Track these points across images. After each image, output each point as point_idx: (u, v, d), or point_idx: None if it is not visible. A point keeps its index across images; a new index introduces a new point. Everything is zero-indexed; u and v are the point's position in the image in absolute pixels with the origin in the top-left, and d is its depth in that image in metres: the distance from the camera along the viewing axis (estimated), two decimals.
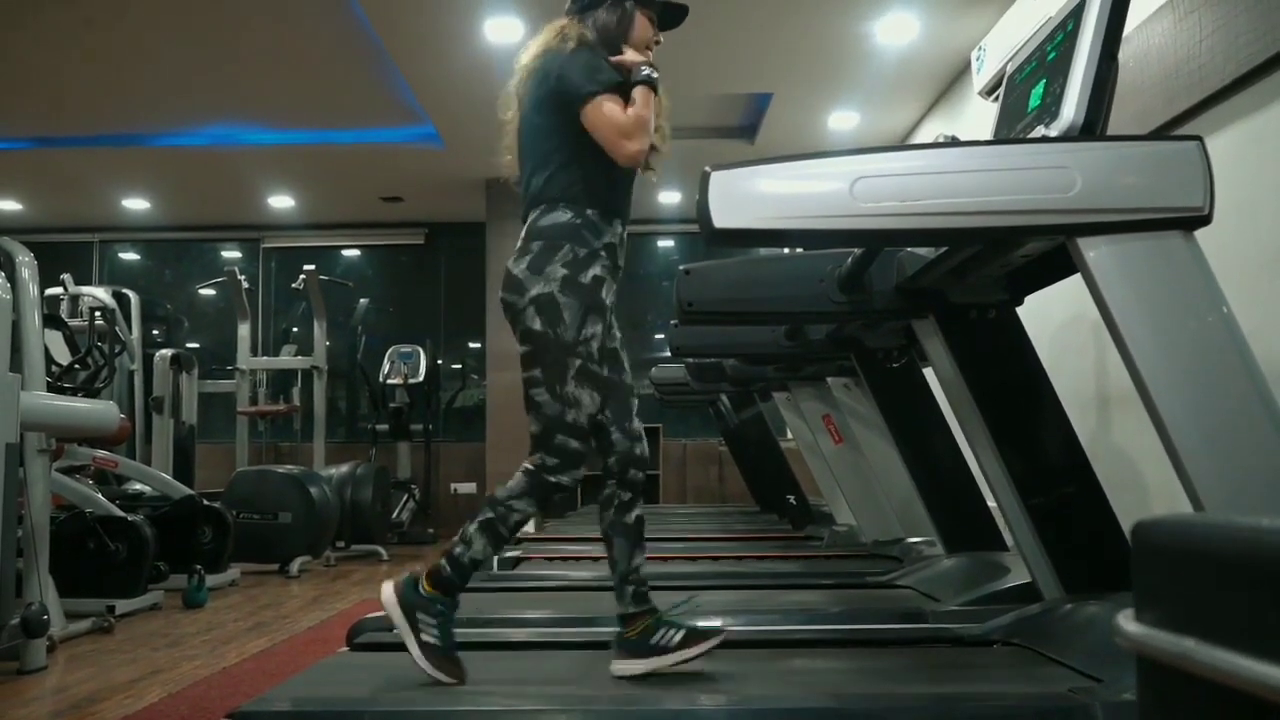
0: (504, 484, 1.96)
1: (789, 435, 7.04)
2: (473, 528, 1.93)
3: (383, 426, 7.88)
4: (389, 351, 7.89)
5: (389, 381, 7.76)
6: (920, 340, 2.33)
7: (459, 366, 9.29)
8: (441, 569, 1.91)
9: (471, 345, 9.21)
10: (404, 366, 7.78)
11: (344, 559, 6.37)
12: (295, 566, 5.60)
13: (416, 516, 7.83)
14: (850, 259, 2.14)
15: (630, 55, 1.98)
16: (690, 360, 4.09)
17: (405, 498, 7.76)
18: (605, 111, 1.88)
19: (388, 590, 1.90)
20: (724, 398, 5.91)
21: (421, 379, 7.80)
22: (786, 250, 2.37)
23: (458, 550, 1.92)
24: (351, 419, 9.16)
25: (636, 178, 2.03)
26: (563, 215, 1.95)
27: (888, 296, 2.20)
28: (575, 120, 1.91)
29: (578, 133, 1.92)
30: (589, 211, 1.95)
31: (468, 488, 8.25)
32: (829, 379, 3.84)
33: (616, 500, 2.01)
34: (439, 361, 8.86)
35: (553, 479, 1.94)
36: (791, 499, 5.22)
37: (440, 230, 8.87)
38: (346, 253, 9.37)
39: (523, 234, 1.99)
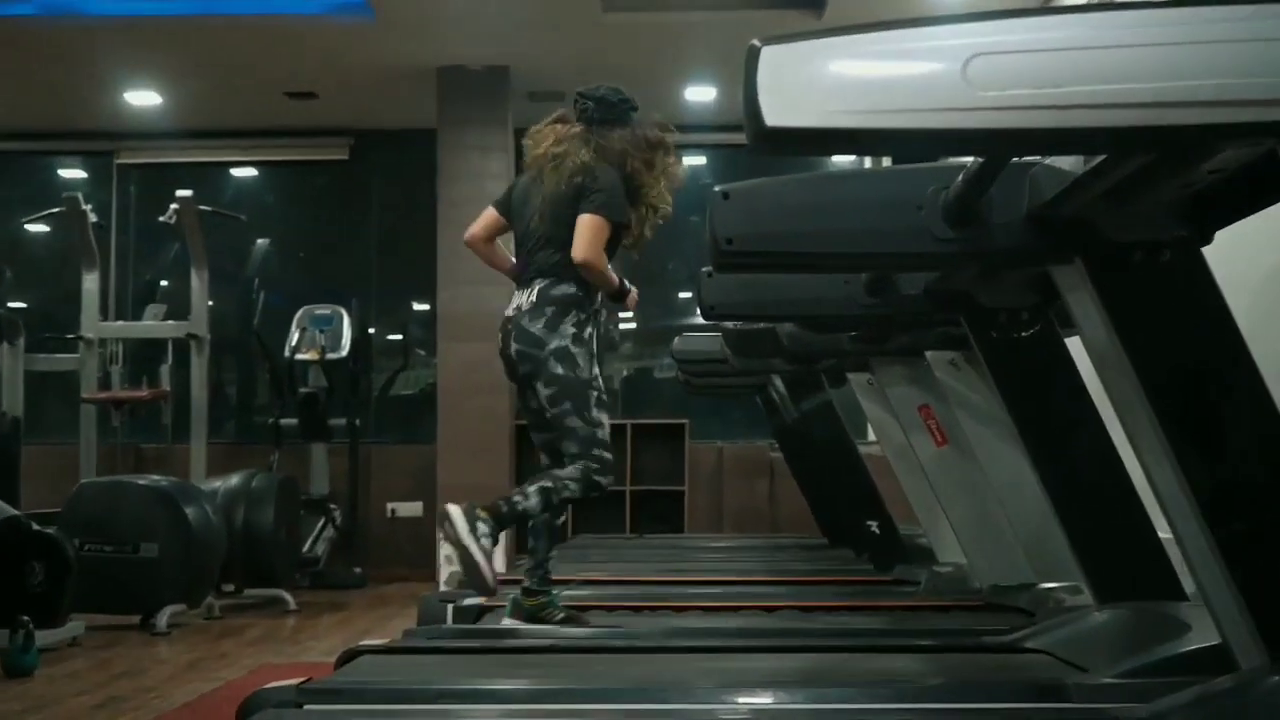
0: (558, 470, 3.60)
1: (870, 435, 7.01)
2: (531, 486, 3.51)
3: (289, 421, 7.93)
4: (299, 315, 7.93)
5: (299, 357, 7.81)
6: (1062, 295, 2.30)
7: (398, 337, 9.32)
8: (499, 505, 3.46)
9: (417, 306, 9.24)
10: (320, 336, 7.82)
11: (233, 608, 6.43)
12: (164, 619, 5.64)
13: (338, 549, 7.91)
14: (961, 176, 2.11)
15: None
16: (729, 325, 4.06)
17: (322, 523, 7.81)
18: (596, 230, 3.63)
19: (454, 509, 3.44)
20: (777, 381, 5.90)
21: (345, 354, 7.84)
22: (868, 163, 2.36)
23: (515, 497, 3.49)
24: (245, 410, 9.21)
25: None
26: (569, 288, 3.68)
27: (1015, 231, 2.17)
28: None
29: None
30: (585, 287, 3.69)
31: (411, 509, 8.31)
32: (928, 353, 3.82)
33: (560, 508, 3.67)
34: (370, 330, 8.89)
35: (595, 478, 3.59)
36: (873, 526, 5.22)
37: (371, 141, 8.89)
38: (238, 173, 9.39)
39: (534, 296, 3.69)
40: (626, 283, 3.78)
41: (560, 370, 3.62)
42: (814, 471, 6.42)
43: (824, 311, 3.15)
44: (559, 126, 3.77)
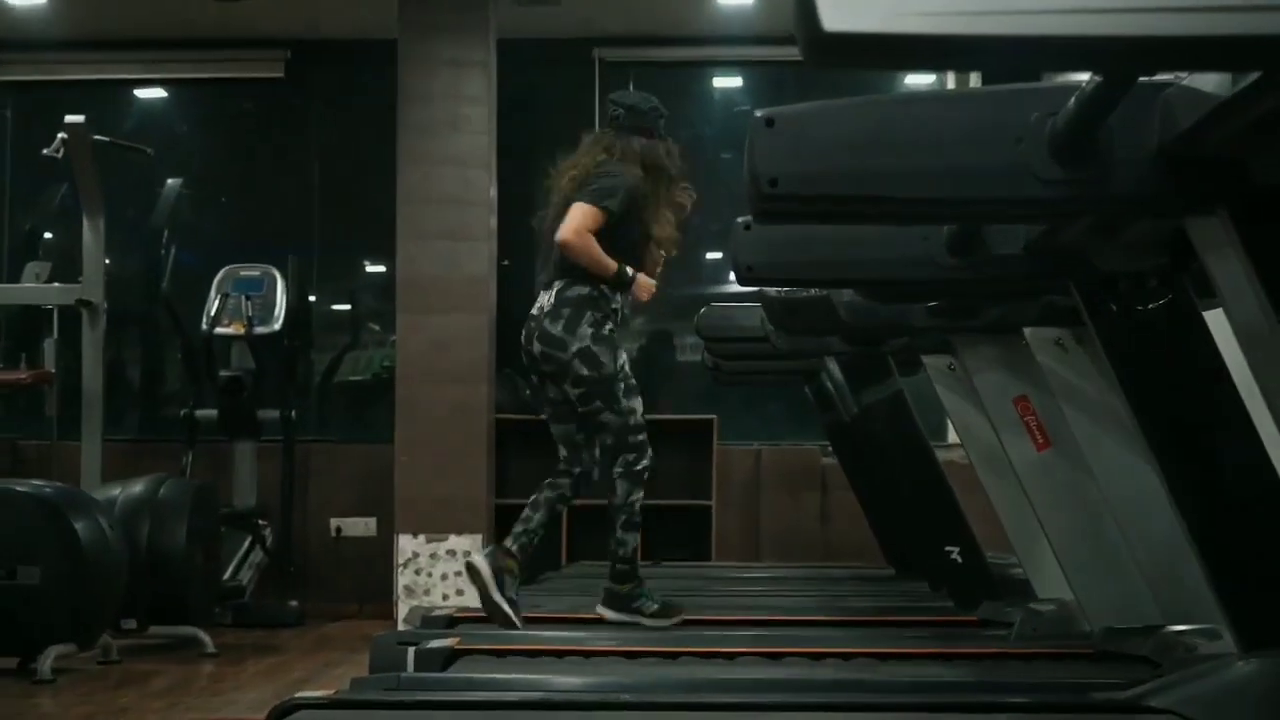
0: (612, 494, 4.76)
1: (950, 436, 6.99)
2: (618, 530, 4.73)
3: (207, 413, 7.95)
4: (220, 276, 7.96)
5: (219, 331, 7.83)
6: (1201, 257, 2.29)
7: (346, 307, 9.32)
8: (615, 569, 4.74)
9: (370, 268, 9.24)
10: (247, 305, 7.85)
11: (136, 650, 6.45)
12: (48, 663, 5.65)
13: (268, 577, 7.96)
14: (1074, 100, 2.10)
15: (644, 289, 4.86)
16: (771, 293, 4.06)
17: (248, 543, 7.84)
18: (581, 214, 4.68)
19: (480, 561, 4.56)
20: (832, 365, 5.90)
21: (278, 327, 7.85)
22: (952, 82, 2.36)
23: (620, 551, 4.73)
24: (151, 398, 9.23)
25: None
26: (583, 289, 4.71)
27: (1142, 171, 2.17)
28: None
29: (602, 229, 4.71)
30: (602, 286, 4.73)
31: (361, 526, 8.34)
32: (1027, 331, 3.82)
33: (636, 519, 4.82)
34: (310, 298, 8.89)
35: (639, 467, 4.74)
36: (953, 552, 5.22)
37: (313, 54, 8.91)
38: (143, 94, 9.39)
39: (552, 297, 4.75)
40: (629, 270, 4.76)
41: (586, 371, 4.72)
42: (878, 482, 6.41)
43: (894, 275, 3.14)
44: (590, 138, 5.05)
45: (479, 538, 7.53)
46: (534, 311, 4.84)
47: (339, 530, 8.36)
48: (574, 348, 4.71)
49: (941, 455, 5.63)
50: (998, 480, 4.56)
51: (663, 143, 4.94)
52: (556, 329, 4.72)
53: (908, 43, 1.47)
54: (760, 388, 8.12)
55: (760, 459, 8.45)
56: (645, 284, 4.85)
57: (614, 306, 4.80)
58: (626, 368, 4.83)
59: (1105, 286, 2.96)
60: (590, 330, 4.71)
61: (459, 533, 7.63)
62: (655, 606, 4.71)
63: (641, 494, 4.77)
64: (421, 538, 7.60)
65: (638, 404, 4.81)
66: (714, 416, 8.30)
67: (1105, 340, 3.01)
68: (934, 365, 4.71)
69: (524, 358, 4.93)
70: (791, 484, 8.41)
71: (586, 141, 4.99)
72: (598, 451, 4.84)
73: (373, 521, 8.23)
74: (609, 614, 4.67)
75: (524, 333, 4.87)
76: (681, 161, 4.98)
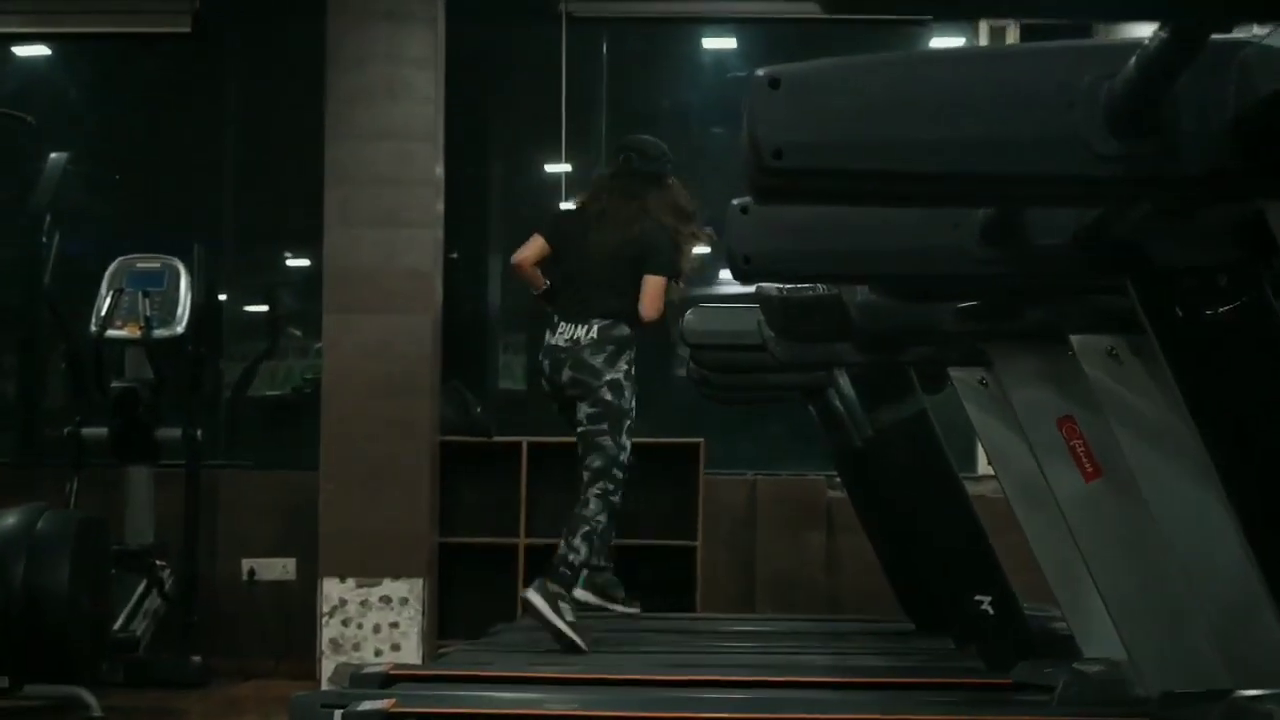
0: (584, 506, 6.00)
1: (980, 464, 6.97)
2: (575, 539, 5.87)
3: (95, 431, 7.92)
4: (112, 269, 7.95)
5: (111, 334, 7.81)
6: None
7: (263, 309, 9.28)
8: (563, 573, 5.78)
9: (292, 260, 9.22)
10: (144, 303, 7.83)
11: (7, 715, 6.45)
12: None
13: (167, 627, 7.93)
14: (1134, 59, 2.09)
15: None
16: (772, 291, 4.05)
17: (143, 587, 7.81)
18: (660, 290, 6.51)
19: (533, 594, 5.59)
20: (842, 379, 5.89)
21: (181, 330, 7.84)
22: (981, 36, 2.35)
23: (569, 556, 5.83)
24: (28, 414, 9.18)
25: None
26: (625, 330, 6.40)
27: (1214, 145, 2.16)
28: (641, 273, 6.51)
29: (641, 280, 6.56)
30: (634, 329, 6.47)
31: (278, 568, 8.31)
32: (1074, 338, 3.81)
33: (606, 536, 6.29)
34: (220, 296, 8.86)
35: (614, 499, 6.11)
36: (984, 602, 5.22)
37: (226, 5, 8.89)
38: (23, 52, 9.36)
39: (594, 334, 6.31)
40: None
41: (609, 397, 6.23)
42: (895, 519, 6.40)
43: (918, 269, 3.15)
44: (601, 179, 6.96)
45: (419, 582, 7.52)
46: (561, 343, 6.36)
47: (252, 573, 8.34)
48: (608, 376, 6.26)
49: (971, 488, 5.64)
50: (1037, 517, 4.56)
51: (674, 191, 6.64)
52: (598, 360, 6.28)
53: None
54: (756, 406, 8.11)
55: (755, 491, 8.46)
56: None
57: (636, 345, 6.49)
58: (634, 411, 6.37)
59: (1168, 285, 2.96)
60: (625, 367, 6.34)
61: (395, 576, 7.63)
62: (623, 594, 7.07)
63: (611, 525, 6.19)
64: (350, 582, 7.59)
65: (629, 445, 6.27)
66: (700, 440, 8.30)
67: (1167, 349, 3.01)
68: (963, 380, 4.71)
69: (544, 386, 6.50)
70: (792, 521, 8.42)
71: (608, 188, 6.72)
72: (583, 471, 6.17)
73: (292, 563, 8.22)
74: (535, 600, 5.61)
75: (548, 362, 6.39)
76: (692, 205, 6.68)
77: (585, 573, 6.28)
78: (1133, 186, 2.31)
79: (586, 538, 5.90)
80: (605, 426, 6.17)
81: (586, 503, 6.04)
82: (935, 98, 2.21)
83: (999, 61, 2.27)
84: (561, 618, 5.57)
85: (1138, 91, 2.13)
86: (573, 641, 5.53)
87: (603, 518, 6.01)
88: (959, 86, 2.23)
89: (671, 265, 6.53)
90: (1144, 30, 2.11)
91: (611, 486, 6.07)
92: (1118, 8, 1.56)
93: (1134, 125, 2.17)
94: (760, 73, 2.21)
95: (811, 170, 2.21)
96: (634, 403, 6.36)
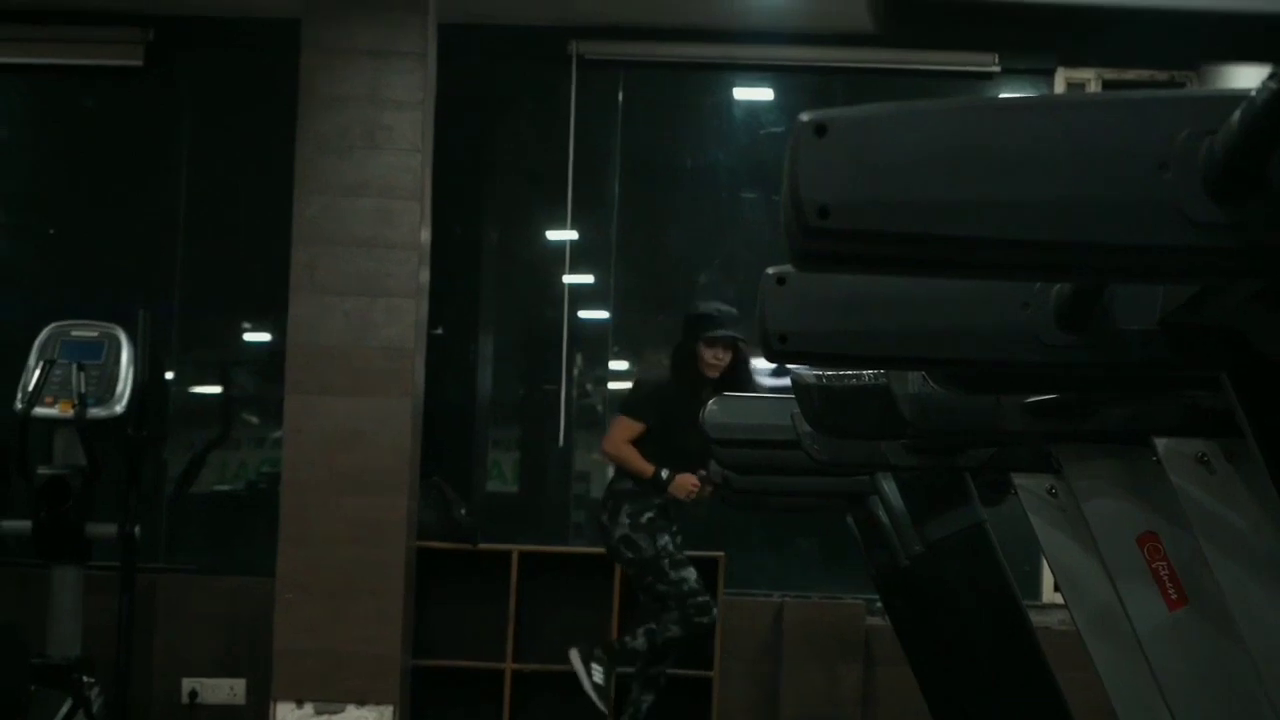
0: (666, 611, 7.94)
1: (1046, 590, 6.94)
2: (640, 628, 7.80)
3: (18, 524, 7.91)
4: (43, 337, 7.96)
5: (39, 413, 7.81)
6: None
7: (216, 389, 9.29)
8: (613, 643, 7.90)
9: (250, 334, 9.24)
10: (79, 378, 7.82)
11: None
12: None
13: None
14: (1239, 112, 2.08)
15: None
16: (809, 378, 4.04)
17: (67, 708, 7.76)
18: (615, 425, 8.15)
19: (574, 651, 7.80)
20: (887, 485, 5.88)
21: (121, 410, 7.83)
22: (1058, 83, 2.35)
23: (625, 636, 7.86)
24: None
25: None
26: (623, 483, 8.03)
27: None
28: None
29: None
30: (638, 481, 8.20)
31: (225, 690, 8.33)
32: (1159, 441, 3.79)
33: (664, 650, 8.10)
34: (166, 372, 8.85)
35: (697, 620, 7.84)
36: None
37: (182, 36, 8.96)
38: None
39: (605, 490, 8.46)
40: (664, 472, 7.56)
41: (630, 556, 7.62)
42: (945, 650, 6.39)
43: (981, 355, 3.13)
44: None
45: (389, 710, 7.48)
46: None
47: (194, 695, 8.34)
48: (616, 535, 7.69)
49: (1035, 617, 5.62)
50: (1112, 650, 4.55)
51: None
52: (603, 517, 7.81)
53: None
54: (786, 514, 8.10)
55: (782, 615, 8.45)
56: (681, 485, 7.58)
57: (657, 501, 7.70)
58: (670, 545, 7.62)
59: (1273, 379, 2.94)
60: (628, 520, 7.64)
61: (361, 703, 7.60)
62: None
63: (679, 635, 7.58)
64: (309, 708, 7.58)
65: (688, 573, 7.58)
66: (720, 554, 8.30)
67: (1270, 456, 2.99)
68: (1029, 488, 4.70)
69: None
70: (824, 650, 8.39)
71: None
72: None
73: (241, 684, 8.21)
74: (573, 656, 7.57)
75: None
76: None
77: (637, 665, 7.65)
78: (1234, 260, 2.29)
79: (649, 634, 7.44)
80: (649, 579, 7.60)
81: (669, 610, 7.52)
82: (1008, 152, 2.20)
83: (1083, 112, 2.26)
84: (590, 678, 7.39)
85: (1242, 150, 2.12)
86: (593, 702, 7.33)
87: (675, 629, 7.44)
88: (1034, 140, 2.23)
89: (627, 404, 7.97)
90: (1248, 79, 2.10)
91: (694, 610, 7.49)
92: (1213, 40, 1.53)
93: (1237, 189, 2.16)
94: (805, 117, 2.19)
95: (862, 233, 2.19)
96: (665, 540, 7.58)
